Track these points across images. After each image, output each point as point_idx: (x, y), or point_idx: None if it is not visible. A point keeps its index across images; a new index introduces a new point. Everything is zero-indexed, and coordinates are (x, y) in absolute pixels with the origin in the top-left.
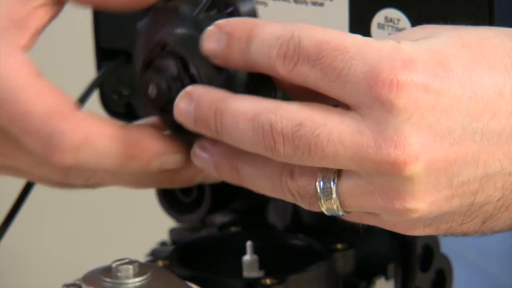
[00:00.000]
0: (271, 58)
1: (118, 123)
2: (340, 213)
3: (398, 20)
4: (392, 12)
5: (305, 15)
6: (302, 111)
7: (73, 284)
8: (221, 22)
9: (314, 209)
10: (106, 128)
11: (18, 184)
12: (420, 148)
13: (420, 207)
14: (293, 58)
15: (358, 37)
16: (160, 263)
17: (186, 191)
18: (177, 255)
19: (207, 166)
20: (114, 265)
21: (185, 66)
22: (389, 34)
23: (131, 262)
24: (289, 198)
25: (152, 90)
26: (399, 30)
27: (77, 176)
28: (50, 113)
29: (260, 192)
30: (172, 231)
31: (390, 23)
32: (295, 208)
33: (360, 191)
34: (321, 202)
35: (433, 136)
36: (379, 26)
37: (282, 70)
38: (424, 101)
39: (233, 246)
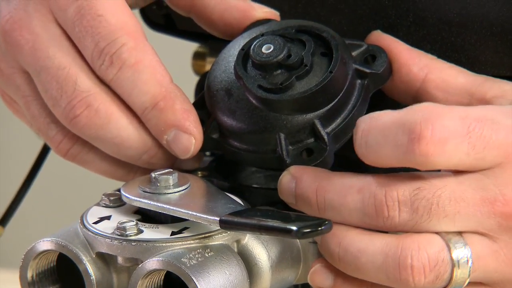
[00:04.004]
0: None
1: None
2: (467, 282)
3: None
4: None
5: None
6: (415, 177)
7: (113, 194)
8: None
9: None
10: (157, 68)
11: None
12: None
13: None
14: None
15: None
16: (199, 174)
17: None
18: (216, 166)
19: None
20: (153, 175)
21: None
22: None
23: (170, 172)
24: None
25: None
26: None
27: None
28: (123, 25)
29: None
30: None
31: None
32: None
33: (487, 251)
34: (456, 272)
35: None
36: None
37: None
38: None
39: None
